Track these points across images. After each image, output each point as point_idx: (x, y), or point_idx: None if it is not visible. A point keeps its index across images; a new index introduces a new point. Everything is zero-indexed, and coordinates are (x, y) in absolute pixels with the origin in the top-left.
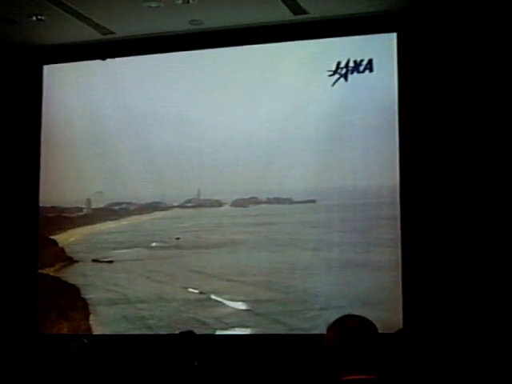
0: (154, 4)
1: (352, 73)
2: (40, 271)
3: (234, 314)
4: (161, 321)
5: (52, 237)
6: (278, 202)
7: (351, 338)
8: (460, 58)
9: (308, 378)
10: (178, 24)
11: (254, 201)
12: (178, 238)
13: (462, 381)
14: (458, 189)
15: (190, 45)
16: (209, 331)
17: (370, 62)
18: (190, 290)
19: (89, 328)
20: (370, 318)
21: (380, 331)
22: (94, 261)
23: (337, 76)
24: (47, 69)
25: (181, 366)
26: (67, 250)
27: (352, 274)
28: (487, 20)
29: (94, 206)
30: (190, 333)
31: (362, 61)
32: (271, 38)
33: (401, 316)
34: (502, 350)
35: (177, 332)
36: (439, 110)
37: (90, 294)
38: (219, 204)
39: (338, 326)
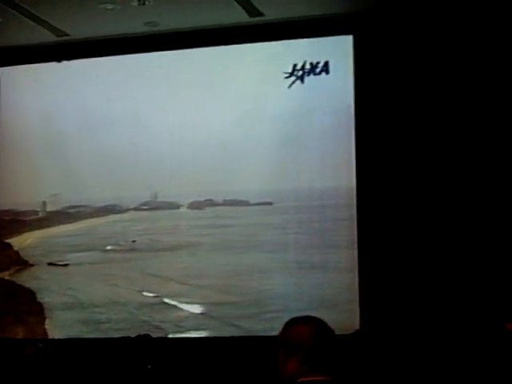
0: (109, 6)
1: (308, 75)
2: None
3: (189, 317)
4: (116, 324)
5: (7, 240)
6: (235, 204)
7: (308, 340)
8: (415, 61)
9: (263, 380)
10: (134, 26)
11: (210, 203)
12: (134, 241)
13: (417, 381)
14: (414, 190)
15: (146, 47)
16: (164, 335)
17: (327, 64)
18: (146, 293)
19: (44, 332)
20: (328, 320)
21: (337, 332)
22: (50, 264)
23: (293, 78)
24: (2, 71)
25: (135, 370)
26: (22, 253)
27: (309, 276)
28: (443, 22)
29: (49, 208)
30: (146, 336)
31: (318, 63)
32: (227, 40)
33: (358, 317)
34: (456, 350)
35: (132, 336)
36: (395, 112)
37: (45, 298)
38: (176, 206)
39: (293, 327)
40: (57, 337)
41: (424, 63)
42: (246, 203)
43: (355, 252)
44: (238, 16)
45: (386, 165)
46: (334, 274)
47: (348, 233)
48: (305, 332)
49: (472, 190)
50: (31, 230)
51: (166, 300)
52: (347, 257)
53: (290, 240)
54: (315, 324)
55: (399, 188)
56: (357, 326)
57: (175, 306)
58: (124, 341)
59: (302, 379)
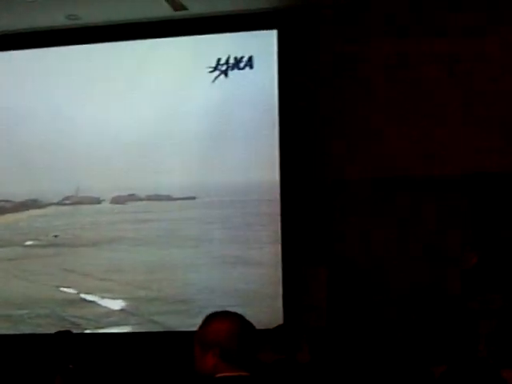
0: None
1: (232, 69)
2: None
3: (110, 313)
4: (35, 321)
5: None
6: (158, 199)
7: (226, 335)
8: (339, 56)
9: (184, 376)
10: (55, 19)
11: (133, 198)
12: (56, 236)
13: (343, 376)
14: (338, 182)
15: (67, 40)
16: (83, 331)
17: (251, 58)
18: (66, 289)
19: None
20: (251, 314)
21: (260, 327)
22: None
23: (217, 73)
24: None
25: (55, 368)
26: None
27: (232, 271)
28: (365, 18)
29: None
30: (66, 332)
31: (242, 57)
32: (151, 33)
33: (281, 312)
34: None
35: (52, 332)
36: (318, 107)
37: None
38: (98, 201)
39: (224, 319)
40: None
41: (347, 58)
42: (168, 198)
43: (279, 247)
44: (162, 10)
45: (310, 160)
46: (257, 269)
47: (272, 228)
48: (222, 328)
49: None
50: None
51: (86, 296)
52: (271, 252)
53: (214, 235)
54: (233, 320)
55: (322, 182)
56: (280, 320)
57: (95, 302)
58: (44, 337)
59: (220, 375)
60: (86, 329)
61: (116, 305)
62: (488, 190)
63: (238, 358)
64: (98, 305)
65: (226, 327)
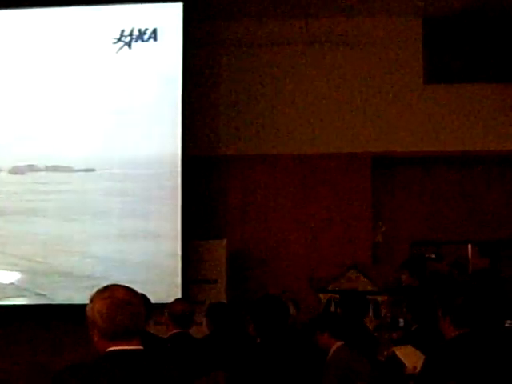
0: None
1: (136, 41)
2: None
3: (4, 286)
4: None
5: None
6: (58, 170)
7: (116, 308)
8: (243, 29)
9: (76, 349)
10: None
11: (32, 168)
12: None
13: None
14: (236, 158)
15: None
16: None
17: (155, 31)
18: None
19: None
20: (149, 288)
21: (159, 301)
22: None
23: (121, 44)
24: None
25: None
26: None
27: (131, 245)
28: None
29: None
30: None
31: (146, 30)
32: (54, 1)
33: (179, 286)
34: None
35: None
36: (223, 79)
37: None
38: None
39: (103, 296)
40: None
41: (249, 31)
42: (69, 169)
43: (178, 220)
44: None
45: (212, 133)
46: (156, 242)
47: (172, 201)
48: (97, 307)
49: None
50: None
51: None
52: (170, 225)
53: (114, 207)
54: (109, 297)
55: (225, 155)
56: (178, 294)
57: None
58: None
59: (109, 349)
60: None
61: (11, 277)
62: None
63: (117, 334)
64: None
65: (99, 305)
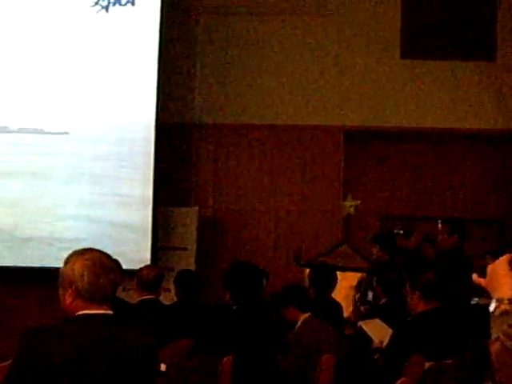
0: None
1: (114, 5)
2: None
3: None
4: None
5: None
6: (30, 132)
7: (98, 271)
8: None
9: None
10: None
11: (4, 130)
12: None
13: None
14: (211, 126)
15: None
16: None
17: None
18: None
19: None
20: (119, 253)
21: (129, 266)
22: None
23: (98, 7)
24: None
25: None
26: None
27: (103, 209)
28: None
29: None
30: None
31: None
32: None
33: (149, 252)
34: None
35: None
36: (200, 46)
37: None
38: None
39: (83, 258)
40: None
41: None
42: (41, 131)
43: (150, 186)
44: None
45: (187, 101)
46: (128, 208)
47: (144, 167)
48: (76, 267)
49: None
50: None
51: None
52: (143, 191)
53: (85, 171)
54: (89, 259)
55: (198, 121)
56: (148, 260)
57: None
58: None
59: (80, 312)
60: None
61: None
62: None
63: (95, 297)
64: None
65: (81, 266)
